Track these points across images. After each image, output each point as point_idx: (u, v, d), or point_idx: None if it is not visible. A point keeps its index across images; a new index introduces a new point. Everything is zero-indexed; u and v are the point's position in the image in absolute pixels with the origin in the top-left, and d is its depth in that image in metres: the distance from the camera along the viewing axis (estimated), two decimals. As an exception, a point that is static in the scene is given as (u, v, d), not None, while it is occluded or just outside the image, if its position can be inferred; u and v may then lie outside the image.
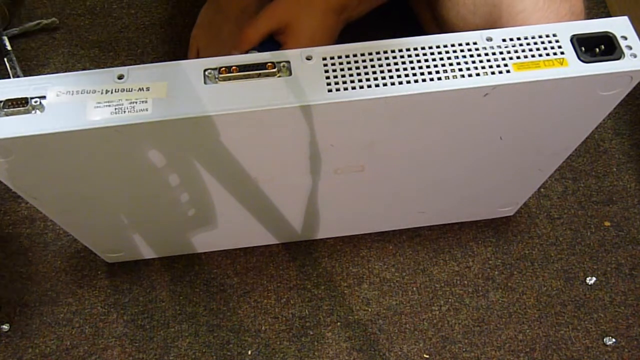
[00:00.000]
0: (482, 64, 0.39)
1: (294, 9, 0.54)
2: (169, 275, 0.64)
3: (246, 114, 0.38)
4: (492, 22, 0.51)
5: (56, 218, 0.50)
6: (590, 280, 0.64)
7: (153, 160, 0.43)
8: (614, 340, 0.61)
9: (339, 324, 0.61)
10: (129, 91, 0.38)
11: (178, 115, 0.37)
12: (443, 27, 0.58)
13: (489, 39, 0.40)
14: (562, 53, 0.40)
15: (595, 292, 0.63)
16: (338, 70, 0.39)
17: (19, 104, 0.37)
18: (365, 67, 0.39)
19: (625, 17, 0.41)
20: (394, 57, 0.39)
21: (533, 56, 0.39)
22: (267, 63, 0.39)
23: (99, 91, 0.38)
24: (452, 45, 0.40)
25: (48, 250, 0.64)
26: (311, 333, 0.61)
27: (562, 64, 0.39)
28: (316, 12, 0.54)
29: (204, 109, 0.37)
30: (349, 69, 0.39)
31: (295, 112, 0.38)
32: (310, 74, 0.39)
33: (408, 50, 0.39)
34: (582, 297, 0.63)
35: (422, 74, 0.39)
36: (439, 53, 0.39)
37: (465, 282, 0.64)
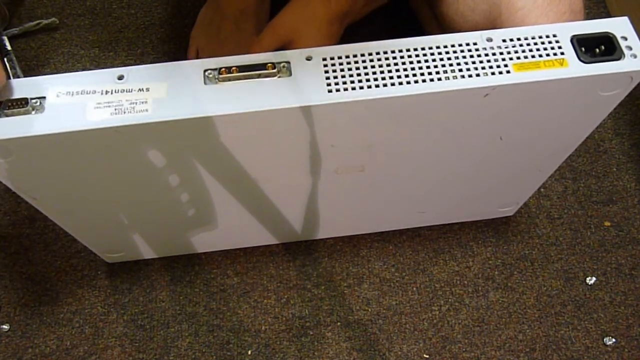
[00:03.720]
0: (482, 65, 0.39)
1: (298, 25, 0.53)
2: (169, 275, 0.64)
3: (246, 115, 0.38)
4: (491, 19, 0.51)
5: (56, 218, 0.50)
6: (590, 280, 0.64)
7: (153, 161, 0.43)
8: (614, 340, 0.61)
9: (339, 324, 0.61)
10: (129, 92, 0.38)
11: (178, 116, 0.37)
12: (443, 24, 0.58)
13: (489, 40, 0.40)
14: (562, 53, 0.40)
15: (595, 292, 0.63)
16: (338, 70, 0.39)
17: (19, 105, 0.37)
18: (365, 67, 0.39)
19: (625, 18, 0.41)
20: (394, 58, 0.39)
21: (533, 57, 0.39)
22: (267, 63, 0.39)
23: (99, 92, 0.38)
24: (452, 46, 0.40)
25: (48, 250, 0.64)
26: (311, 333, 0.61)
27: (562, 65, 0.39)
28: (320, 24, 0.53)
29: (204, 110, 0.37)
30: (349, 69, 0.39)
31: (296, 112, 0.38)
32: (310, 74, 0.39)
33: (408, 50, 0.39)
34: (582, 297, 0.63)
35: (422, 74, 0.39)
36: (439, 54, 0.39)
37: (465, 282, 0.64)
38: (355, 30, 0.59)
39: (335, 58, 0.39)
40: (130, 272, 0.64)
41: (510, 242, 0.66)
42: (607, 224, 0.67)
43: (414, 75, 0.39)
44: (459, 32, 0.53)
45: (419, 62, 0.39)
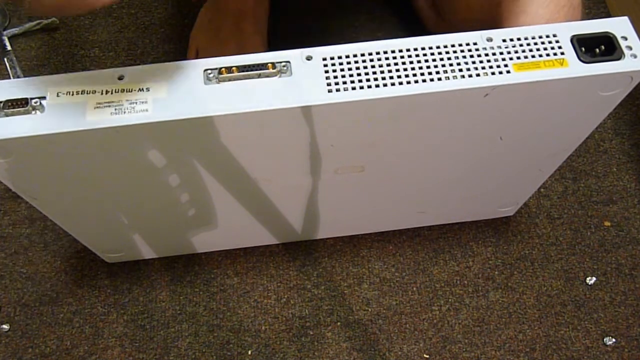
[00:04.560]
0: (482, 65, 0.39)
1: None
2: (169, 275, 0.64)
3: (246, 115, 0.38)
4: (493, 6, 0.52)
5: (56, 218, 0.50)
6: (590, 280, 0.64)
7: (153, 161, 0.43)
8: (614, 340, 0.61)
9: (339, 324, 0.61)
10: (129, 91, 0.38)
11: (178, 115, 0.37)
12: (442, 9, 0.58)
13: (489, 39, 0.40)
14: (562, 53, 0.40)
15: (595, 292, 0.63)
16: (338, 70, 0.39)
17: (19, 105, 0.37)
18: (365, 67, 0.39)
19: (626, 18, 0.41)
20: (394, 58, 0.39)
21: (533, 56, 0.39)
22: (267, 63, 0.39)
23: (99, 91, 0.38)
24: (452, 46, 0.40)
25: (48, 250, 0.64)
26: (311, 333, 0.61)
27: (562, 65, 0.39)
28: None
29: (204, 110, 0.37)
30: (349, 69, 0.39)
31: (295, 112, 0.38)
32: (310, 74, 0.38)
33: (408, 50, 0.39)
34: (582, 297, 0.63)
35: (422, 74, 0.39)
36: (439, 53, 0.39)
37: (465, 282, 0.64)
38: (356, 29, 0.59)
39: (335, 58, 0.39)
40: (130, 272, 0.63)
41: (510, 242, 0.66)
42: (607, 224, 0.67)
43: (414, 75, 0.39)
44: (457, 15, 0.53)
45: (419, 62, 0.39)
